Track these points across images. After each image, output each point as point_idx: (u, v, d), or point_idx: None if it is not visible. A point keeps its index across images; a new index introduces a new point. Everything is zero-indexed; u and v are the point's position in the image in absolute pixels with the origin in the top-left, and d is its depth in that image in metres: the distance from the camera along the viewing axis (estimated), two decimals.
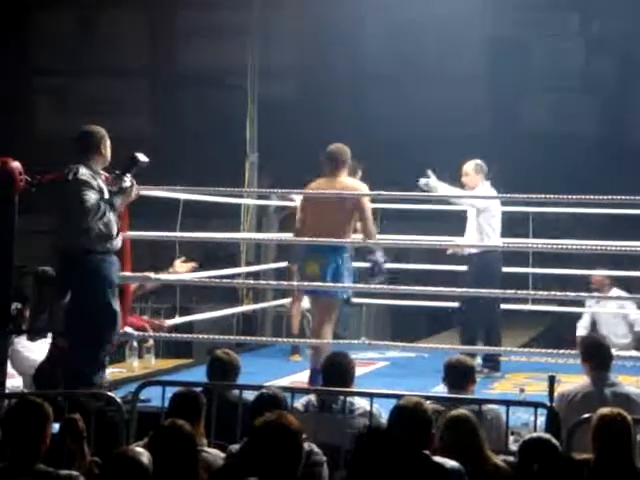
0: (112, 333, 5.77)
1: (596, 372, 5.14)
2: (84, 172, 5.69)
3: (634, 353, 8.14)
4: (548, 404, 4.81)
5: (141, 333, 6.73)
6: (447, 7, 12.02)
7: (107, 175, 5.88)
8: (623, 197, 6.97)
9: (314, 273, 6.47)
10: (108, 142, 5.85)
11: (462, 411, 4.18)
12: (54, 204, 5.88)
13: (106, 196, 5.72)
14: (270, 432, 3.31)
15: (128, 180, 5.85)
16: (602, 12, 13.73)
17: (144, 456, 3.39)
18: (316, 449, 4.08)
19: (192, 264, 7.11)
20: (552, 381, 4.94)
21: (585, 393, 5.06)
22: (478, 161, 7.73)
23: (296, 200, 7.53)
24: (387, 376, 7.22)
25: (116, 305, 5.78)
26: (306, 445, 3.97)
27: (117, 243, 5.83)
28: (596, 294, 8.89)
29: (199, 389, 4.64)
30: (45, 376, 5.80)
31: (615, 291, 8.97)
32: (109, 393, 5.07)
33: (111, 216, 5.73)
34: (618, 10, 13.53)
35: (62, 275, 5.80)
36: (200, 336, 7.36)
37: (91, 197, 5.63)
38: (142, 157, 5.89)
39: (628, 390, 5.13)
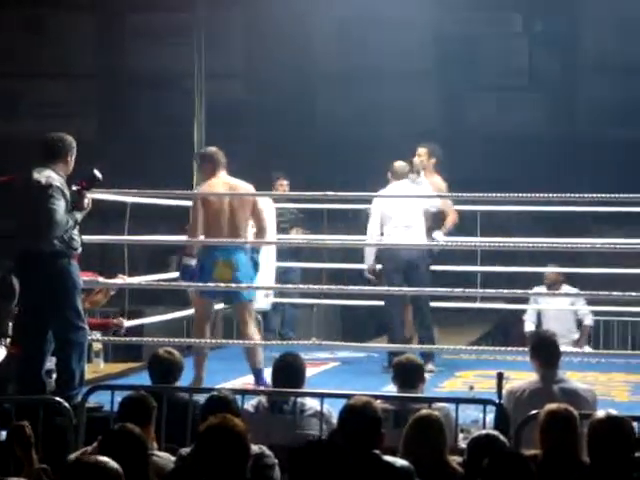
0: (84, 336, 5.76)
1: (544, 369, 5.18)
2: (56, 178, 5.67)
3: (584, 349, 8.26)
4: (497, 401, 4.85)
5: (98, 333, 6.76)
6: (395, 4, 12.06)
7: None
8: (569, 195, 7.06)
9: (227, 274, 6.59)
10: (75, 152, 5.83)
11: (431, 412, 4.20)
12: (12, 205, 5.82)
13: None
14: (215, 435, 3.32)
15: (87, 198, 5.85)
16: (544, 11, 13.87)
17: (109, 464, 3.23)
18: (267, 451, 4.08)
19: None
20: (500, 378, 4.98)
21: (533, 390, 5.10)
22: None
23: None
24: (338, 376, 7.24)
25: (82, 307, 5.82)
26: (256, 447, 3.97)
27: (79, 248, 5.85)
28: (544, 290, 8.99)
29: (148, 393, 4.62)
30: None
31: (565, 287, 9.08)
32: (57, 398, 5.03)
33: (75, 231, 5.76)
34: (560, 8, 13.69)
35: (26, 276, 5.73)
36: (149, 339, 7.32)
37: (61, 207, 5.61)
38: (99, 174, 5.90)
39: (576, 386, 5.18)
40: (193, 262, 6.76)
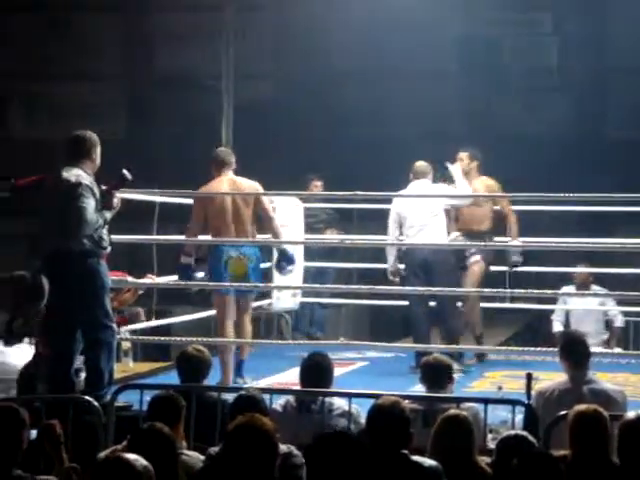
0: (112, 335, 5.80)
1: (574, 369, 5.15)
2: (85, 176, 5.70)
3: (614, 350, 8.21)
4: (526, 402, 4.83)
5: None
6: (422, 4, 12.05)
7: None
8: (598, 195, 7.04)
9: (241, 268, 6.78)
10: (99, 149, 5.86)
11: (459, 411, 4.19)
12: (43, 204, 5.84)
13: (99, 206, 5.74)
14: (243, 434, 3.32)
15: (117, 197, 5.88)
16: (575, 12, 13.80)
17: (138, 461, 3.25)
18: (295, 451, 4.09)
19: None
20: (529, 379, 4.97)
21: (562, 390, 5.08)
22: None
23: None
24: (366, 376, 7.23)
25: (110, 307, 5.87)
26: (285, 447, 3.98)
27: (108, 248, 5.88)
28: (573, 290, 8.95)
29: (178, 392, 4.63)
30: (26, 381, 5.78)
31: (594, 288, 9.04)
32: (86, 397, 5.06)
33: (104, 231, 5.78)
34: (590, 9, 13.61)
35: (55, 275, 5.75)
36: (177, 338, 7.35)
37: (90, 206, 5.64)
38: (129, 175, 5.92)
39: (605, 387, 5.15)
40: (191, 261, 6.88)
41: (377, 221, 8.96)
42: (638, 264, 8.80)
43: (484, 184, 7.96)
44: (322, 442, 3.43)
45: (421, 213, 7.58)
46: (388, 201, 8.21)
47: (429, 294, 7.46)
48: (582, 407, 4.05)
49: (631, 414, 3.90)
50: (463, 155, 7.97)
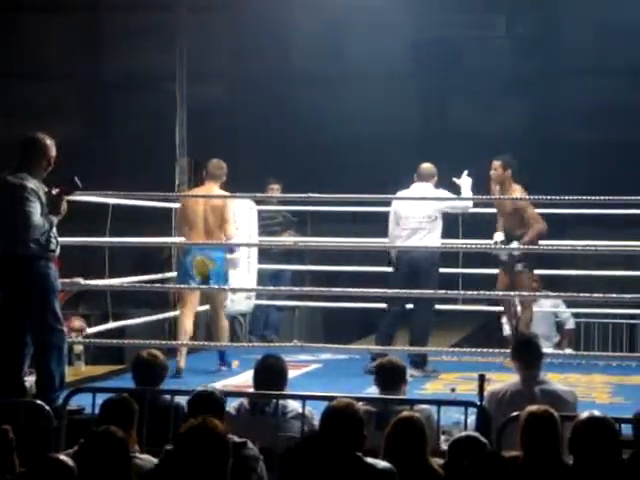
0: (62, 338, 5.75)
1: (525, 370, 5.19)
2: (30, 179, 5.64)
3: (566, 351, 8.28)
4: (478, 403, 4.86)
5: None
6: (377, 9, 12.08)
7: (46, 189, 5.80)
8: (553, 197, 7.11)
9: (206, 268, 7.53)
10: (52, 151, 5.78)
11: (412, 413, 4.20)
12: None
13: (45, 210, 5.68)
14: (195, 437, 3.32)
15: (65, 202, 5.82)
16: (527, 14, 13.93)
17: (67, 459, 3.38)
18: (250, 444, 4.10)
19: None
20: (482, 380, 4.99)
21: (514, 391, 5.11)
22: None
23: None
24: (320, 378, 7.24)
25: (59, 310, 5.79)
26: (240, 439, 4.00)
27: (57, 251, 5.81)
28: (526, 293, 9.00)
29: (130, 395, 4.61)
30: None
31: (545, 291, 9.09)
32: (38, 401, 5.01)
33: (52, 234, 5.72)
34: (542, 12, 13.75)
35: (3, 279, 5.69)
36: (130, 341, 7.30)
37: (37, 210, 5.58)
38: (79, 183, 5.87)
39: (556, 388, 5.19)
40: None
41: (332, 223, 9.00)
42: (586, 266, 8.90)
43: (522, 194, 7.82)
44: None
45: (416, 216, 7.59)
46: (345, 203, 8.24)
47: (406, 296, 7.48)
48: (533, 408, 4.08)
49: (584, 414, 3.93)
50: (496, 164, 7.86)
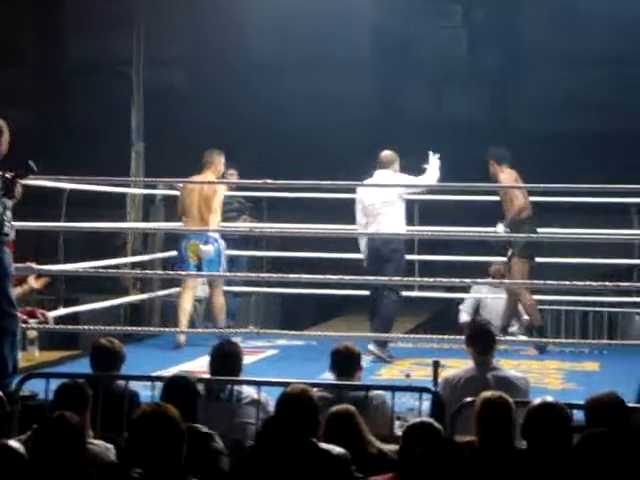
0: (15, 323, 5.69)
1: (479, 356, 5.24)
2: None
3: (518, 338, 8.34)
4: (432, 389, 4.89)
5: (33, 321, 6.72)
6: None
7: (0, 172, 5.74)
8: (497, 185, 7.19)
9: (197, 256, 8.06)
10: (7, 135, 5.72)
11: (342, 406, 4.21)
12: None
13: None
14: (149, 423, 3.31)
15: (19, 186, 5.76)
16: (484, 3, 13.98)
17: (18, 445, 3.37)
18: (216, 437, 4.11)
19: (45, 279, 7.37)
20: (436, 366, 5.03)
21: (468, 377, 5.15)
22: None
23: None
24: (276, 364, 7.25)
25: (13, 295, 5.73)
26: (207, 430, 4.00)
27: (11, 235, 5.76)
28: (481, 280, 9.06)
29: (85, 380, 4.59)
30: None
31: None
32: None
33: (6, 218, 5.65)
34: (499, 1, 13.81)
35: None
36: (85, 327, 7.26)
37: None
38: (34, 166, 5.82)
39: (509, 374, 5.24)
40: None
41: (289, 211, 8.99)
42: (545, 254, 8.97)
43: (510, 176, 8.02)
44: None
45: (376, 202, 7.61)
46: (303, 189, 8.23)
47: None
48: (487, 394, 4.11)
49: (537, 400, 3.97)
50: (491, 160, 8.07)
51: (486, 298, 9.23)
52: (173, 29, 13.78)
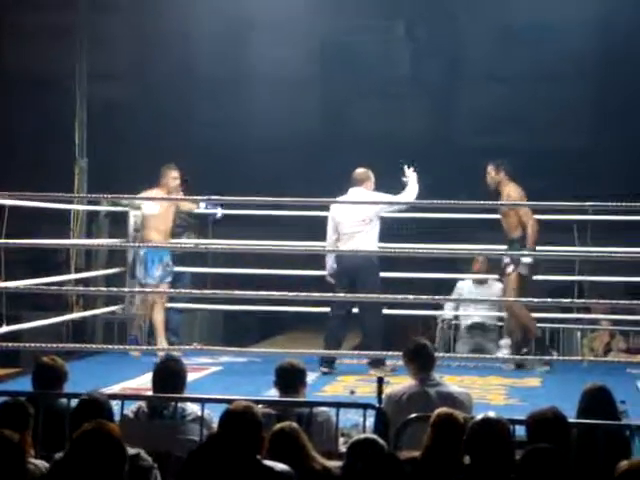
0: None
1: (420, 373, 5.28)
2: None
3: (458, 353, 8.42)
4: (377, 405, 4.91)
5: None
6: (279, 11, 12.10)
7: None
8: (454, 202, 7.25)
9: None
10: None
11: (286, 423, 4.20)
12: None
13: None
14: (89, 442, 3.27)
15: None
16: (426, 19, 14.09)
17: None
18: (144, 454, 4.05)
19: None
20: (380, 382, 5.04)
21: (411, 393, 5.18)
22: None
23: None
24: (220, 381, 7.22)
25: None
26: (133, 450, 3.94)
27: None
28: (469, 285, 9.14)
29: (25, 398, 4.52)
30: None
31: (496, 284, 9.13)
32: None
33: None
34: (440, 17, 13.92)
35: None
36: (27, 345, 7.18)
37: None
38: None
39: (452, 390, 5.27)
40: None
41: (235, 226, 8.98)
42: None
43: (515, 192, 7.95)
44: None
45: (352, 220, 7.68)
46: (247, 206, 8.22)
47: (351, 301, 7.59)
48: (441, 410, 4.14)
49: (479, 416, 4.00)
50: (489, 168, 8.03)
51: (470, 293, 9.29)
52: (117, 42, 13.70)
